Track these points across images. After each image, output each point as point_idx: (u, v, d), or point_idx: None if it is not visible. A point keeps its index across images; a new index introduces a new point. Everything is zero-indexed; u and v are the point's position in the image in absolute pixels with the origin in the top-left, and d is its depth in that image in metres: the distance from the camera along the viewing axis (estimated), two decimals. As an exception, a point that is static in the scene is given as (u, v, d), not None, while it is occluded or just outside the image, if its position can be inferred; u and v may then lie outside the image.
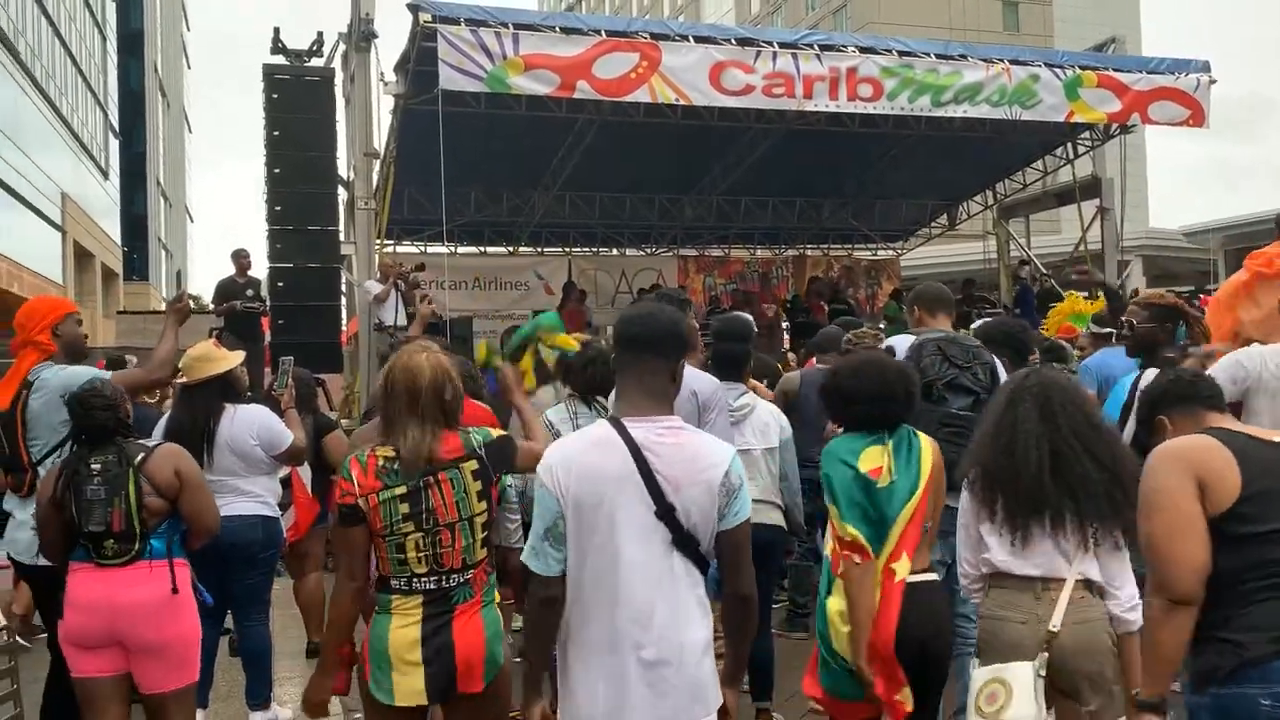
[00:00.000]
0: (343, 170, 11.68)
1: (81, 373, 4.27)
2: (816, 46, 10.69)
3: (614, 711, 2.55)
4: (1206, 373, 3.41)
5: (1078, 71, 11.52)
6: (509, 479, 3.98)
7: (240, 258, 11.92)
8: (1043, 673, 2.88)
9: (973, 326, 8.45)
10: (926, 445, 3.45)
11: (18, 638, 5.42)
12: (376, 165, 11.39)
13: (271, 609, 5.37)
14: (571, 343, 4.32)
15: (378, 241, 11.60)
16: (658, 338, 2.67)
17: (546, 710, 2.74)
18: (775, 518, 4.87)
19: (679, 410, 2.74)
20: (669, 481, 2.56)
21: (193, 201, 73.76)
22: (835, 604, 3.30)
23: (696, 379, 4.13)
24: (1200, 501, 2.53)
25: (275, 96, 10.99)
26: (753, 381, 5.55)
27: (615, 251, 18.31)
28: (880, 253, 19.52)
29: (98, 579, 3.66)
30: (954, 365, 4.46)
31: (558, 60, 9.66)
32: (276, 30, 11.42)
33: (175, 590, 3.70)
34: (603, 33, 9.96)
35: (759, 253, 18.88)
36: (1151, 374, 4.52)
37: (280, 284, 11.06)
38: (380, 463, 2.98)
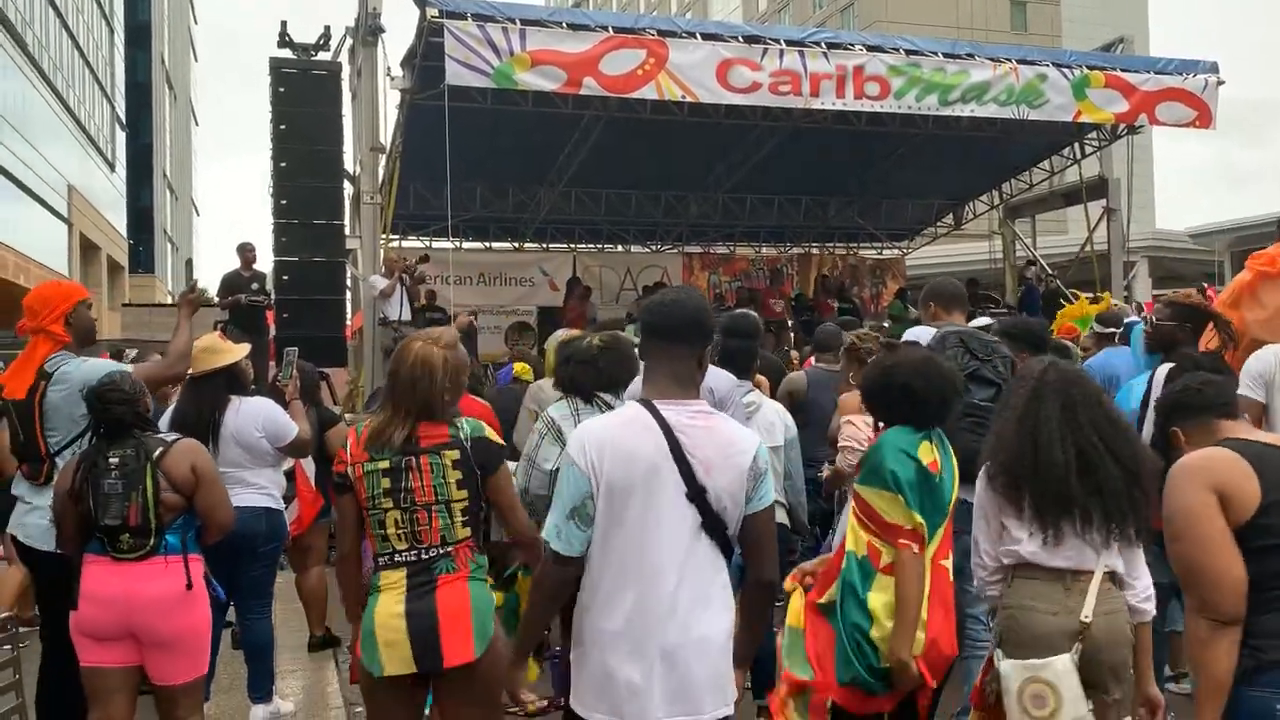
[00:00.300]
0: (348, 165, 11.68)
1: (102, 366, 4.28)
2: (824, 45, 10.67)
3: (634, 695, 2.52)
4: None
5: (1085, 71, 11.48)
6: (550, 464, 4.08)
7: (245, 251, 11.93)
8: (1076, 665, 2.88)
9: (976, 322, 8.42)
10: (949, 443, 3.48)
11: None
12: (382, 160, 11.38)
13: (274, 602, 5.38)
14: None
15: (383, 236, 11.62)
16: (685, 326, 2.69)
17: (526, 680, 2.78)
18: (780, 516, 4.86)
19: None
20: (701, 464, 2.56)
21: (199, 195, 73.87)
22: (880, 598, 3.25)
23: (714, 376, 4.12)
24: (1224, 514, 2.53)
25: (282, 90, 11.00)
26: (759, 378, 5.55)
27: (620, 248, 18.29)
28: (885, 252, 19.50)
29: (114, 573, 3.68)
30: (975, 357, 4.49)
31: (565, 56, 9.64)
32: (284, 24, 11.43)
33: (190, 586, 3.73)
34: (610, 29, 9.94)
35: (764, 251, 18.87)
36: (1165, 369, 4.53)
37: (285, 278, 11.08)
38: (370, 434, 3.11)
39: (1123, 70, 11.76)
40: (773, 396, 5.91)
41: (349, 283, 12.29)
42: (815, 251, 18.75)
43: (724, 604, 2.62)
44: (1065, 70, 11.40)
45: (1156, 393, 4.22)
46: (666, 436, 2.57)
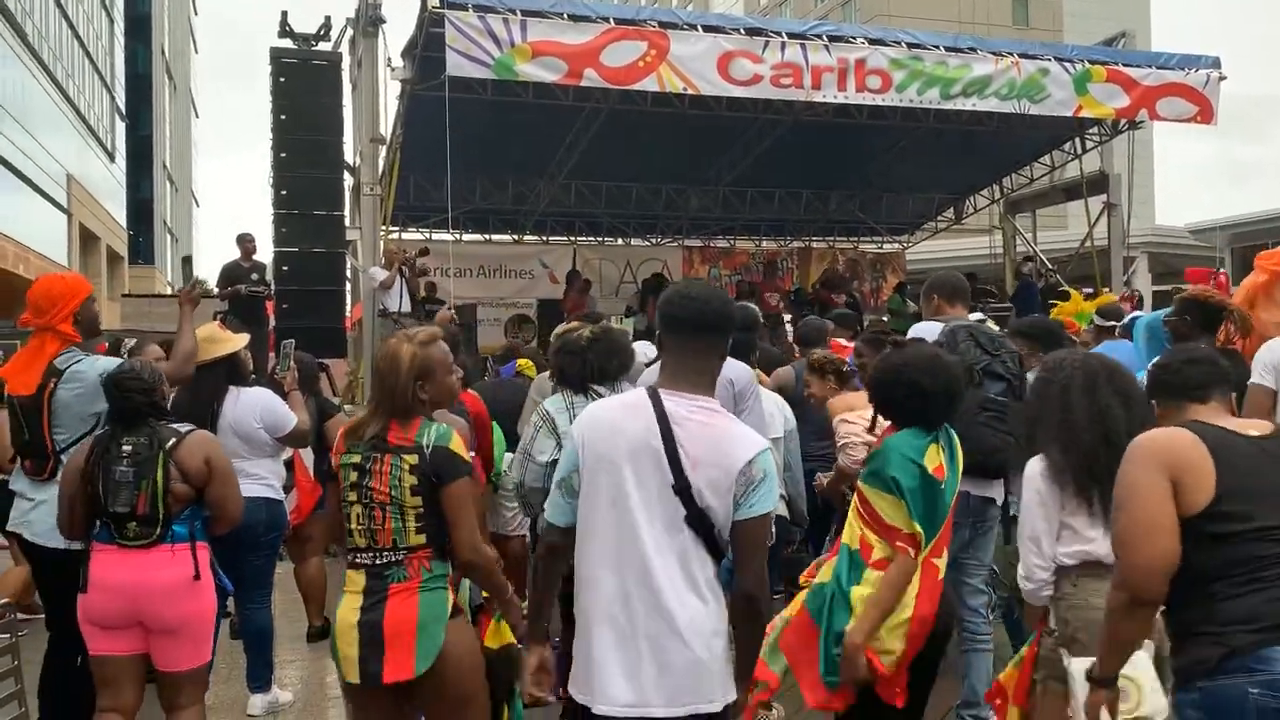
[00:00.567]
0: (349, 155, 11.68)
1: (114, 365, 4.29)
2: (825, 37, 10.64)
3: (603, 676, 2.53)
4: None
5: (1087, 66, 11.43)
6: (545, 456, 4.09)
7: (245, 242, 11.91)
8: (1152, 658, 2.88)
9: (973, 317, 8.41)
10: (957, 440, 3.46)
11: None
12: (382, 151, 11.36)
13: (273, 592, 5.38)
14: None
15: (383, 228, 11.59)
16: (707, 320, 2.65)
17: (546, 657, 2.76)
18: (780, 508, 4.87)
19: (715, 398, 2.71)
20: (689, 457, 2.53)
21: (199, 186, 73.79)
22: (863, 592, 3.25)
23: (732, 368, 4.10)
24: (1174, 498, 2.49)
25: (282, 80, 10.99)
26: (757, 371, 5.55)
27: (620, 241, 18.28)
28: (886, 246, 19.47)
29: (121, 561, 3.70)
30: (986, 352, 4.49)
31: (566, 48, 9.62)
32: (284, 14, 11.42)
33: (197, 575, 3.75)
34: (611, 21, 9.91)
35: (764, 244, 18.85)
36: None
37: (285, 268, 11.09)
38: (349, 427, 3.20)
39: (1124, 65, 11.71)
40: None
41: (349, 274, 12.29)
42: (816, 246, 18.73)
43: (707, 597, 2.56)
44: (1067, 65, 11.36)
45: None
46: (661, 424, 2.55)
